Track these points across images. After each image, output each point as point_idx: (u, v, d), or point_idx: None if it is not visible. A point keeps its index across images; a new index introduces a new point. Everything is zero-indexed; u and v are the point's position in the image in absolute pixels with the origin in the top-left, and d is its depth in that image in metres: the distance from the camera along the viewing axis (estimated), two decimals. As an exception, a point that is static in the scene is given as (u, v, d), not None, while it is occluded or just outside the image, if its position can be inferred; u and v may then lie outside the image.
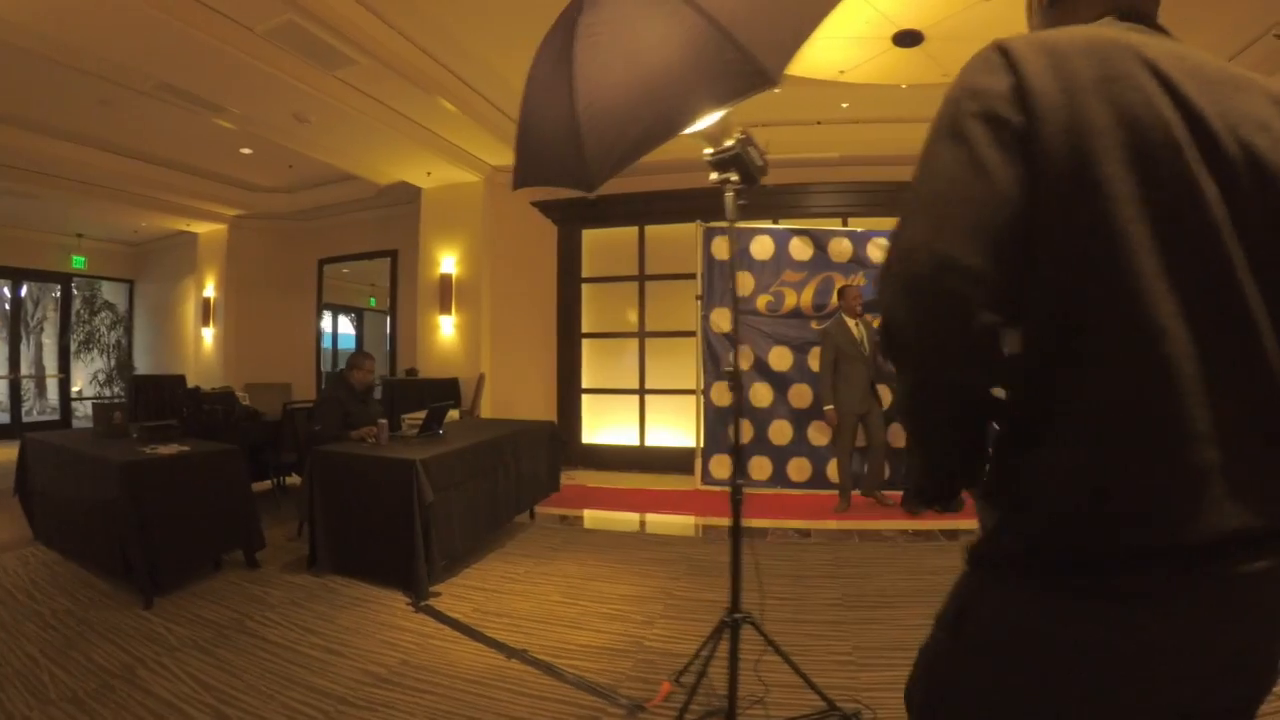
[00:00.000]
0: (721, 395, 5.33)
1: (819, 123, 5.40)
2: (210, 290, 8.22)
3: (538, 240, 6.54)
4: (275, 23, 3.61)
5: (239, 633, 2.61)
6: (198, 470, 3.19)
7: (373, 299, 11.21)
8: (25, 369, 9.09)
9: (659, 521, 4.59)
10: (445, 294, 6.27)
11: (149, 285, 9.86)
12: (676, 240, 6.11)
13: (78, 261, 9.05)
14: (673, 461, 6.05)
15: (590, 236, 6.58)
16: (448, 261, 6.33)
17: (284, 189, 7.59)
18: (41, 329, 9.51)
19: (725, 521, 4.38)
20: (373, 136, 5.13)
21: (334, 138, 5.22)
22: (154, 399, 6.57)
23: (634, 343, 6.48)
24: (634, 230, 6.43)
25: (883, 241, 5.40)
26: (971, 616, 0.67)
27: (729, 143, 1.74)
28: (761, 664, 2.08)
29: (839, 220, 5.93)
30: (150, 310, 9.78)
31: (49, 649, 2.42)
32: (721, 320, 5.38)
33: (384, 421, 3.49)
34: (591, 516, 4.69)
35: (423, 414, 3.86)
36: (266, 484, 4.76)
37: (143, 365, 9.49)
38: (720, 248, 5.40)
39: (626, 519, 4.68)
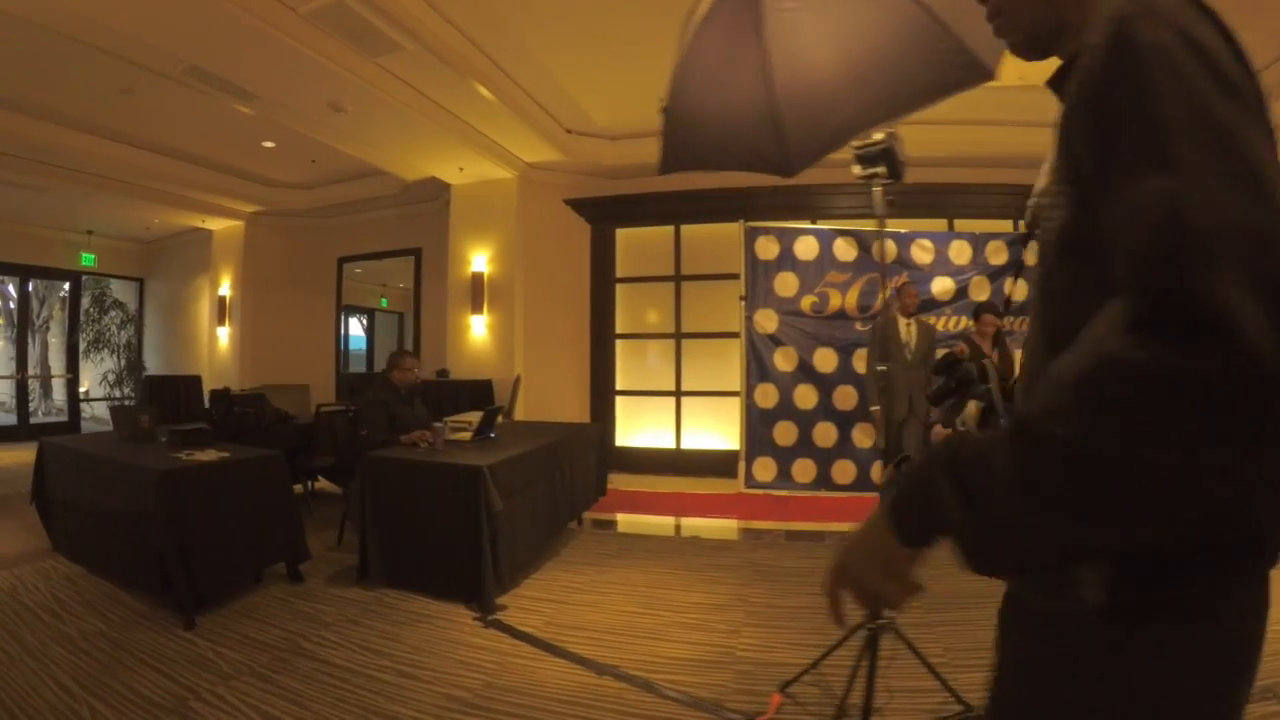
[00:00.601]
0: (766, 397, 5.17)
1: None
2: (226, 289, 7.98)
3: (571, 239, 6.35)
4: (322, 3, 3.43)
5: (296, 656, 2.40)
6: (239, 478, 2.98)
7: (384, 299, 11.00)
8: (31, 369, 8.82)
9: (709, 526, 4.41)
10: (477, 293, 6.07)
11: (160, 284, 9.61)
12: (715, 239, 5.94)
13: (87, 259, 8.80)
14: (710, 464, 5.87)
15: (624, 236, 6.40)
16: (479, 260, 6.13)
17: (304, 185, 7.38)
18: (48, 328, 9.24)
19: (776, 525, 4.34)
20: (409, 129, 4.94)
21: (368, 129, 5.03)
22: (169, 400, 6.38)
23: (669, 344, 6.30)
24: (669, 230, 6.26)
25: (928, 244, 5.26)
26: (1086, 667, 0.60)
27: (878, 137, 1.62)
28: (891, 669, 1.94)
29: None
30: (161, 309, 9.53)
31: (84, 677, 2.19)
32: (766, 321, 5.22)
33: (439, 425, 3.29)
34: (640, 521, 4.51)
35: (469, 416, 3.69)
36: (298, 489, 4.54)
37: (152, 365, 9.25)
38: (764, 248, 5.24)
39: (674, 524, 4.52)
